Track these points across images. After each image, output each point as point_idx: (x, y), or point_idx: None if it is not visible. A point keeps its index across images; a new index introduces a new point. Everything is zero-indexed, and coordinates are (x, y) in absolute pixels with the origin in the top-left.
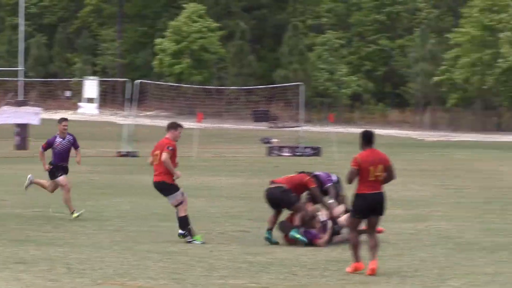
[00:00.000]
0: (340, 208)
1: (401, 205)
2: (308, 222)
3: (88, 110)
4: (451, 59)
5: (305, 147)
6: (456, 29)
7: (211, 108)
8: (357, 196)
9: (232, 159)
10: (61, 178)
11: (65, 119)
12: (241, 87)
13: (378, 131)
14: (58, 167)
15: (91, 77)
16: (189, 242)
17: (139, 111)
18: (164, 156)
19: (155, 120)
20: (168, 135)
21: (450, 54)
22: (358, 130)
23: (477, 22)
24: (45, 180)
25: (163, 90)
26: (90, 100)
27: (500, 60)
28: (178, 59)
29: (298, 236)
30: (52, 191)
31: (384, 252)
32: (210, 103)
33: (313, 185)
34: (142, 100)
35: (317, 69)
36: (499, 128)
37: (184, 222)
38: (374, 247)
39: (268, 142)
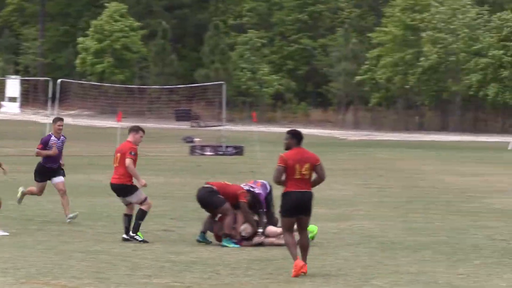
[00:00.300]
0: (272, 229)
1: (324, 205)
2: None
3: (10, 109)
4: (373, 59)
5: (227, 146)
6: (378, 28)
7: (133, 107)
8: (283, 194)
9: (155, 158)
10: (60, 183)
11: (60, 119)
12: (162, 86)
13: (300, 130)
14: (54, 170)
15: (13, 76)
16: (132, 237)
17: (61, 110)
18: (128, 162)
19: (77, 119)
20: (130, 138)
21: (372, 54)
22: (281, 130)
23: (399, 21)
24: (32, 187)
25: (85, 89)
26: (12, 99)
27: (422, 59)
28: (100, 58)
29: (231, 246)
30: (41, 193)
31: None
32: (132, 102)
33: (243, 200)
34: (64, 99)
35: (239, 68)
36: (421, 127)
37: (142, 216)
38: (305, 248)
39: (191, 142)
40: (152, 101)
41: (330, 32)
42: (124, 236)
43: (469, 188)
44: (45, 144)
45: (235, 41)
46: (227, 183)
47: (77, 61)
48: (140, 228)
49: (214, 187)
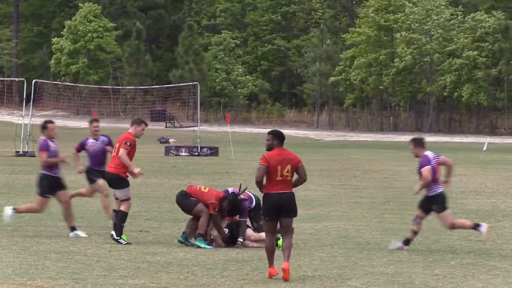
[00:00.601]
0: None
1: (299, 205)
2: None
3: None
4: (347, 59)
5: (202, 147)
6: (351, 29)
7: (108, 108)
8: (264, 196)
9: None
10: (101, 182)
11: (96, 120)
12: (137, 87)
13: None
14: (95, 172)
15: None
16: (117, 240)
17: (36, 111)
18: (121, 151)
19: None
20: (131, 130)
21: (346, 55)
22: (255, 130)
23: (372, 22)
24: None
25: (60, 90)
26: None
27: (396, 60)
28: (74, 59)
29: (203, 245)
30: (91, 195)
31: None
32: (107, 103)
33: (212, 212)
34: (38, 99)
35: (213, 69)
36: (396, 128)
37: (124, 218)
38: (287, 249)
39: (166, 142)
40: (127, 102)
41: (303, 33)
42: (112, 232)
43: (444, 189)
44: (82, 146)
45: (209, 41)
46: (203, 190)
47: (52, 61)
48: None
49: (187, 191)
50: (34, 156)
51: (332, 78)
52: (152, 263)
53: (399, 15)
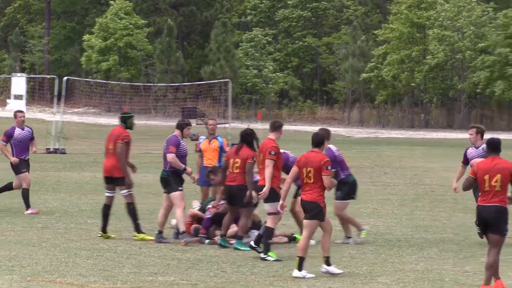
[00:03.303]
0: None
1: (329, 203)
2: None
3: (16, 107)
4: (379, 56)
5: (234, 144)
6: (384, 25)
7: (139, 105)
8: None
9: (160, 156)
10: (25, 175)
11: (20, 111)
12: (168, 84)
13: (307, 128)
14: (21, 161)
15: (19, 74)
16: (264, 259)
17: (67, 108)
18: (267, 162)
19: (83, 117)
20: (272, 135)
21: (378, 51)
22: (286, 127)
23: (405, 18)
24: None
25: (91, 87)
26: (18, 97)
27: (428, 57)
28: (105, 56)
29: (242, 248)
30: (19, 187)
31: (312, 250)
32: (138, 100)
33: (250, 161)
34: (70, 96)
35: (244, 66)
36: (427, 124)
37: (271, 234)
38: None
39: (197, 139)
40: (158, 99)
41: (334, 30)
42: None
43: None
44: (9, 136)
45: (240, 39)
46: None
47: (83, 58)
48: (146, 225)
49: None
50: (65, 153)
51: (364, 75)
52: (182, 260)
53: (431, 12)
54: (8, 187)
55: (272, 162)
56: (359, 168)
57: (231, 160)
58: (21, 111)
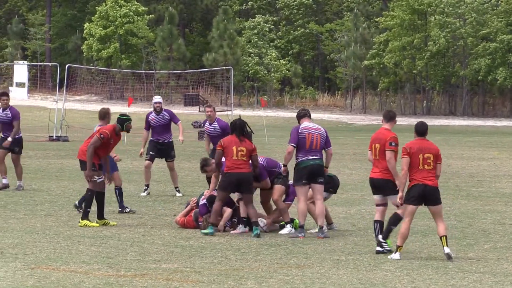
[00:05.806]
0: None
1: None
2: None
3: (18, 95)
4: (380, 43)
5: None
6: (385, 12)
7: (141, 93)
8: None
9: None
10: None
11: (4, 93)
12: (170, 71)
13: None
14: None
15: (21, 62)
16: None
17: (69, 96)
18: (388, 154)
19: (85, 104)
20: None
21: (380, 38)
22: (288, 114)
23: (406, 5)
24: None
25: (93, 74)
26: (20, 85)
27: (429, 44)
28: (105, 44)
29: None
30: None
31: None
32: (140, 88)
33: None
34: (72, 84)
35: (246, 53)
36: (429, 111)
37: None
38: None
39: (199, 127)
40: (160, 86)
41: (336, 17)
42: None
43: (478, 173)
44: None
45: (242, 26)
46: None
47: (84, 47)
48: (150, 212)
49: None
50: (68, 141)
51: (365, 62)
52: (186, 247)
53: None
54: None
55: (393, 153)
56: (361, 155)
57: (235, 148)
58: (5, 94)
